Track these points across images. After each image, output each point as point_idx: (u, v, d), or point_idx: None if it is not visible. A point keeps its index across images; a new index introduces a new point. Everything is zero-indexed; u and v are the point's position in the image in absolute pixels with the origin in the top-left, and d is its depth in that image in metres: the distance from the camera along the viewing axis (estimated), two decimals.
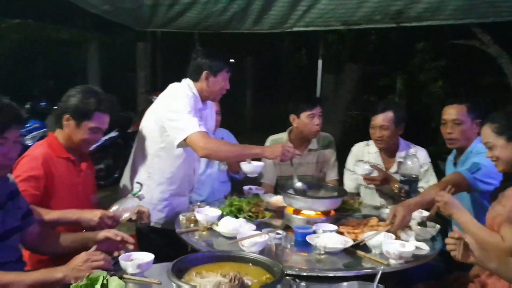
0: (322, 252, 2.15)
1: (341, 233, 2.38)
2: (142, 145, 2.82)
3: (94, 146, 5.60)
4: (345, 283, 1.65)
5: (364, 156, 3.38)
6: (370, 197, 3.29)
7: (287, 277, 1.84)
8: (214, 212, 2.56)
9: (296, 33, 6.88)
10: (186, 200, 2.93)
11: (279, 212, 2.73)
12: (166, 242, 2.55)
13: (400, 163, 3.12)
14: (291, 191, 2.62)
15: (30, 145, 2.64)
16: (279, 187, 2.74)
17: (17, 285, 1.70)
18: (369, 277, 1.81)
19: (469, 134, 2.83)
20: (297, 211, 2.58)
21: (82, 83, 8.21)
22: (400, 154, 3.19)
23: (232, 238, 2.28)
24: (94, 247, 1.93)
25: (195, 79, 2.82)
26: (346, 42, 7.85)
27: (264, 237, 2.18)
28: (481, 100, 4.49)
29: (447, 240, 1.91)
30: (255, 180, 3.27)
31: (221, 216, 2.51)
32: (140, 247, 2.45)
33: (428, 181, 3.16)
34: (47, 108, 5.83)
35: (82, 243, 2.09)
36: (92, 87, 2.63)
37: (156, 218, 2.75)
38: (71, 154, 2.49)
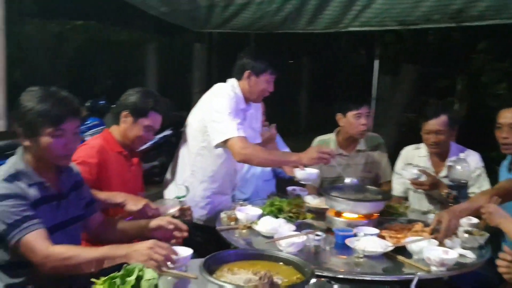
0: (361, 256, 2.12)
1: (383, 237, 2.33)
2: (186, 143, 2.91)
3: (149, 144, 5.86)
4: None
5: (413, 159, 3.29)
6: (419, 202, 3.19)
7: (323, 279, 1.85)
8: (255, 211, 2.59)
9: (353, 33, 6.80)
10: (228, 199, 2.97)
11: (321, 214, 2.72)
12: (207, 238, 2.61)
13: (450, 167, 3.00)
14: (333, 193, 2.60)
15: None
16: (322, 189, 2.72)
17: (83, 257, 1.77)
18: (409, 284, 1.77)
19: None
20: (338, 214, 2.55)
21: (140, 83, 8.57)
22: (451, 158, 3.08)
23: (271, 237, 2.29)
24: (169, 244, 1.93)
25: (239, 78, 2.87)
26: (404, 42, 7.65)
27: (302, 238, 2.18)
28: None
29: (498, 262, 1.85)
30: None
31: (262, 216, 2.53)
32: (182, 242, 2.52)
33: (480, 186, 3.02)
34: (106, 107, 6.12)
35: (138, 231, 2.18)
36: (149, 89, 2.83)
37: (198, 215, 2.82)
38: (124, 149, 2.65)
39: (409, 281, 1.80)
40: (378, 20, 5.53)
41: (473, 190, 2.95)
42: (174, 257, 1.85)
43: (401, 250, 2.21)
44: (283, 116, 11.41)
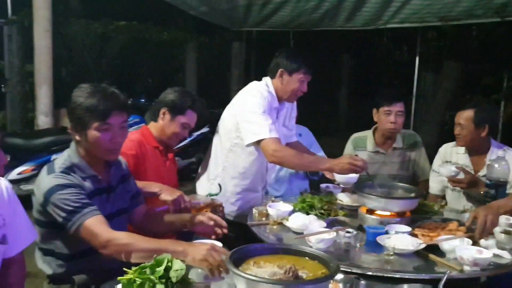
0: (391, 253, 2.10)
1: (415, 236, 2.30)
2: (219, 139, 2.95)
3: (187, 141, 5.98)
4: (405, 285, 1.61)
5: (452, 157, 3.21)
6: (456, 201, 3.12)
7: (351, 275, 1.85)
8: (286, 207, 2.60)
9: (395, 29, 6.71)
10: (259, 196, 2.99)
11: (353, 211, 2.70)
12: (238, 234, 2.65)
13: (489, 166, 2.92)
14: (365, 190, 2.58)
15: None
16: (354, 186, 2.70)
17: (142, 246, 1.80)
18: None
19: None
20: (370, 211, 2.53)
21: (179, 81, 8.70)
22: (491, 157, 2.99)
23: (301, 233, 2.30)
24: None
25: (272, 76, 2.89)
26: (446, 38, 7.45)
27: (331, 235, 2.19)
28: None
29: None
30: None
31: (293, 212, 2.54)
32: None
33: None
34: (146, 104, 6.27)
35: (181, 225, 2.25)
36: (187, 89, 2.97)
37: (229, 210, 2.86)
38: (160, 145, 2.76)
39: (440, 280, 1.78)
40: (418, 16, 5.45)
41: None
42: None
43: (434, 249, 2.17)
44: (323, 114, 11.38)
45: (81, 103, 1.94)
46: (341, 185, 2.86)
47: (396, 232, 2.27)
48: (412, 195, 2.61)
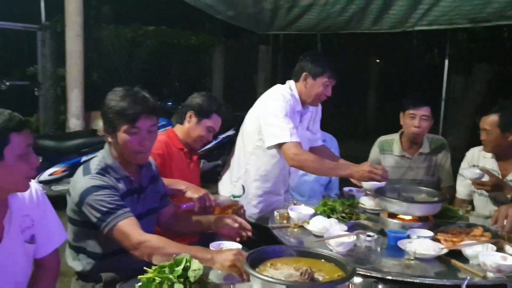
0: (412, 258, 2.08)
1: (438, 241, 2.27)
2: (242, 142, 2.98)
3: (212, 143, 6.03)
4: None
5: (479, 161, 3.16)
6: (484, 206, 3.06)
7: (370, 279, 1.85)
8: (307, 210, 2.61)
9: (425, 31, 6.62)
10: (281, 200, 3.00)
11: (375, 215, 2.69)
12: (259, 236, 2.66)
13: None
14: (387, 194, 2.56)
15: None
16: (376, 190, 2.68)
17: (172, 250, 1.80)
18: None
19: None
20: (392, 215, 2.51)
21: (206, 84, 8.77)
22: None
23: (321, 237, 2.30)
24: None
25: (296, 80, 2.90)
26: (477, 40, 7.31)
27: (351, 238, 2.18)
28: None
29: None
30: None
31: (314, 215, 2.54)
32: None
33: None
34: (173, 108, 6.38)
35: (206, 226, 2.28)
36: (213, 94, 3.05)
37: (250, 212, 2.88)
38: (185, 147, 2.83)
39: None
40: (447, 18, 5.36)
41: None
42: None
43: (457, 254, 2.14)
44: (350, 117, 11.31)
45: (112, 106, 2.00)
46: (367, 191, 2.84)
47: (418, 237, 2.25)
48: (435, 199, 2.58)
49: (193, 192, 2.42)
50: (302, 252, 1.72)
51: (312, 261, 1.66)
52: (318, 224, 2.40)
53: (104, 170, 2.03)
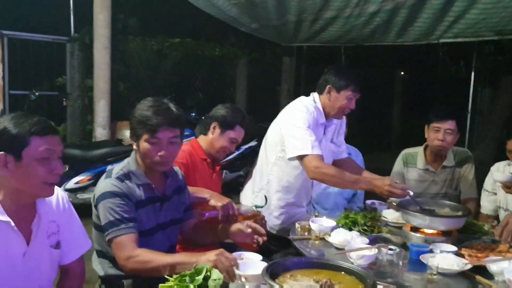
0: (435, 273, 2.05)
1: (462, 256, 2.23)
2: (264, 152, 3.00)
3: (235, 154, 6.06)
4: None
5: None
6: None
7: None
8: (329, 222, 2.60)
9: (451, 44, 6.55)
10: (303, 212, 2.99)
11: (398, 229, 2.66)
12: (280, 248, 2.67)
13: None
14: (410, 208, 2.54)
15: None
16: (399, 203, 2.66)
17: (159, 261, 1.90)
18: None
19: None
20: (415, 229, 2.48)
21: (230, 96, 8.82)
22: None
23: (342, 249, 2.29)
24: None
25: (320, 92, 2.91)
26: (504, 53, 7.20)
27: (373, 251, 2.16)
28: None
29: None
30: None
31: (335, 227, 2.53)
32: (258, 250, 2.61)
33: None
34: (196, 118, 6.44)
35: (223, 234, 2.27)
36: (238, 106, 3.09)
37: (272, 224, 2.88)
38: (208, 157, 2.87)
39: None
40: (473, 30, 5.31)
41: None
42: (245, 262, 1.94)
43: (482, 270, 2.10)
44: (375, 130, 11.21)
45: (137, 115, 2.07)
46: (393, 202, 2.81)
47: (441, 251, 2.22)
48: (459, 213, 2.54)
49: (216, 200, 2.45)
50: (322, 264, 1.71)
51: (332, 274, 1.66)
52: (340, 236, 2.39)
53: (125, 176, 2.09)
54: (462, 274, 2.09)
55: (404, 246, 2.40)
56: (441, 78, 11.89)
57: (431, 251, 2.25)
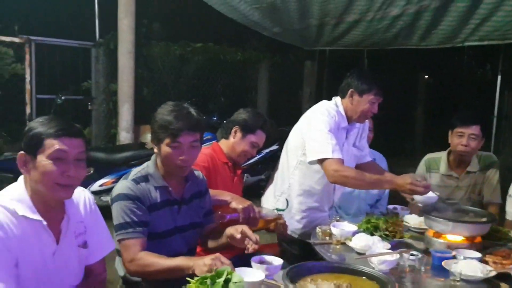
0: (457, 279, 2.02)
1: (486, 262, 2.20)
2: (286, 156, 3.00)
3: (256, 158, 6.07)
4: None
5: None
6: None
7: None
8: (350, 227, 2.58)
9: (476, 47, 6.43)
10: (325, 217, 2.98)
11: (420, 234, 2.63)
12: (301, 252, 2.66)
13: None
14: (433, 213, 2.51)
15: None
16: (422, 209, 2.62)
17: (160, 265, 1.96)
18: None
19: None
20: (438, 234, 2.45)
21: (251, 100, 8.84)
22: None
23: (363, 254, 2.28)
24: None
25: (343, 96, 2.90)
26: None
27: (394, 256, 2.14)
28: None
29: None
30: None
31: (357, 232, 2.52)
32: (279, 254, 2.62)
33: None
34: (218, 122, 6.48)
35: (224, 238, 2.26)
36: (259, 111, 3.11)
37: (293, 227, 2.88)
38: (229, 161, 2.89)
39: None
40: (500, 33, 5.21)
41: None
42: (266, 265, 1.94)
43: (506, 278, 2.07)
44: (398, 134, 11.09)
45: (159, 119, 2.10)
46: (419, 204, 2.77)
47: (465, 258, 2.19)
48: (483, 219, 2.50)
49: (238, 203, 2.45)
50: (343, 269, 1.72)
51: (353, 278, 1.66)
52: (361, 241, 2.38)
53: (142, 178, 2.13)
54: (486, 281, 2.06)
55: (426, 252, 2.37)
56: (466, 82, 11.70)
57: (454, 257, 2.23)
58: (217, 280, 1.62)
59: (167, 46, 7.57)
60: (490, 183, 3.29)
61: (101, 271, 2.05)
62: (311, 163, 2.74)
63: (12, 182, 1.81)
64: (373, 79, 2.85)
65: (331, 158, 2.63)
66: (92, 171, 5.34)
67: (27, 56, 6.11)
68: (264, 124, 2.88)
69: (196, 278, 1.67)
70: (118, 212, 2.07)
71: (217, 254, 1.85)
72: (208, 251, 2.40)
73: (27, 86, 6.16)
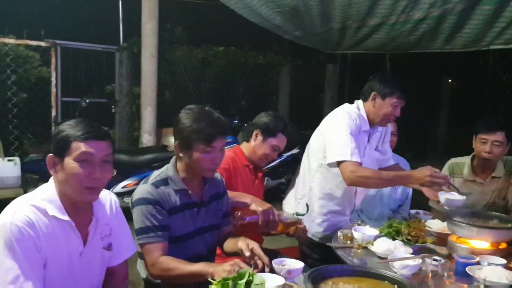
0: (482, 285, 1.99)
1: (511, 269, 2.16)
2: (307, 159, 3.00)
3: (277, 162, 6.08)
4: None
5: None
6: None
7: None
8: (372, 231, 2.57)
9: (502, 50, 6.31)
10: (346, 220, 2.97)
11: (443, 239, 2.60)
12: (322, 256, 2.65)
13: None
14: (456, 218, 2.48)
15: None
16: (445, 214, 2.59)
17: (181, 270, 1.98)
18: None
19: None
20: (461, 240, 2.42)
21: (272, 103, 8.85)
22: None
23: (385, 258, 2.26)
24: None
25: (365, 99, 2.89)
26: None
27: (417, 261, 2.12)
28: None
29: None
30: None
31: (378, 236, 2.50)
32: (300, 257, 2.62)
33: None
34: (239, 126, 6.52)
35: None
36: (280, 114, 3.10)
37: (314, 231, 2.87)
38: (250, 164, 2.90)
39: None
40: None
41: None
42: (287, 268, 1.94)
43: None
44: (421, 138, 10.97)
45: (190, 125, 2.09)
46: (446, 207, 2.74)
47: (489, 264, 2.15)
48: (509, 225, 2.45)
49: (257, 205, 2.45)
50: (364, 273, 1.71)
51: (375, 282, 1.65)
52: (383, 245, 2.36)
53: (161, 182, 2.15)
54: None
55: (449, 257, 2.34)
56: (491, 86, 11.51)
57: (477, 263, 2.19)
58: (239, 282, 1.63)
59: (189, 50, 7.64)
60: None
61: (123, 273, 2.08)
62: (330, 165, 2.73)
63: (37, 183, 1.85)
64: (396, 83, 2.83)
65: (349, 160, 2.62)
66: (115, 173, 5.42)
67: (53, 60, 6.22)
68: (285, 127, 2.89)
69: (217, 280, 1.68)
70: (139, 216, 2.09)
71: (236, 260, 1.86)
72: (227, 254, 2.42)
73: (53, 89, 6.27)
